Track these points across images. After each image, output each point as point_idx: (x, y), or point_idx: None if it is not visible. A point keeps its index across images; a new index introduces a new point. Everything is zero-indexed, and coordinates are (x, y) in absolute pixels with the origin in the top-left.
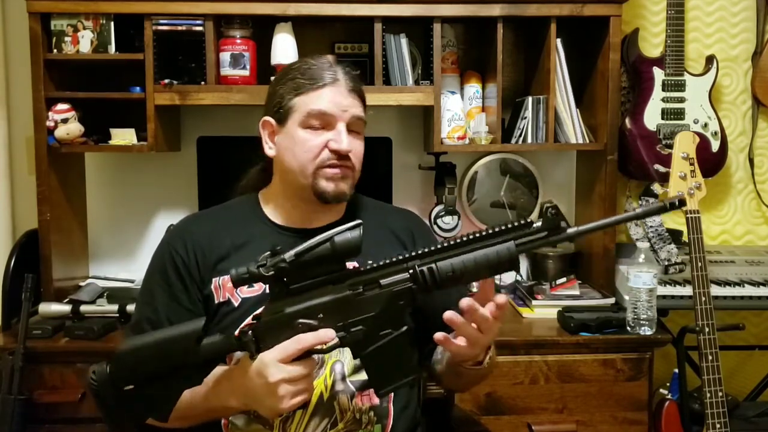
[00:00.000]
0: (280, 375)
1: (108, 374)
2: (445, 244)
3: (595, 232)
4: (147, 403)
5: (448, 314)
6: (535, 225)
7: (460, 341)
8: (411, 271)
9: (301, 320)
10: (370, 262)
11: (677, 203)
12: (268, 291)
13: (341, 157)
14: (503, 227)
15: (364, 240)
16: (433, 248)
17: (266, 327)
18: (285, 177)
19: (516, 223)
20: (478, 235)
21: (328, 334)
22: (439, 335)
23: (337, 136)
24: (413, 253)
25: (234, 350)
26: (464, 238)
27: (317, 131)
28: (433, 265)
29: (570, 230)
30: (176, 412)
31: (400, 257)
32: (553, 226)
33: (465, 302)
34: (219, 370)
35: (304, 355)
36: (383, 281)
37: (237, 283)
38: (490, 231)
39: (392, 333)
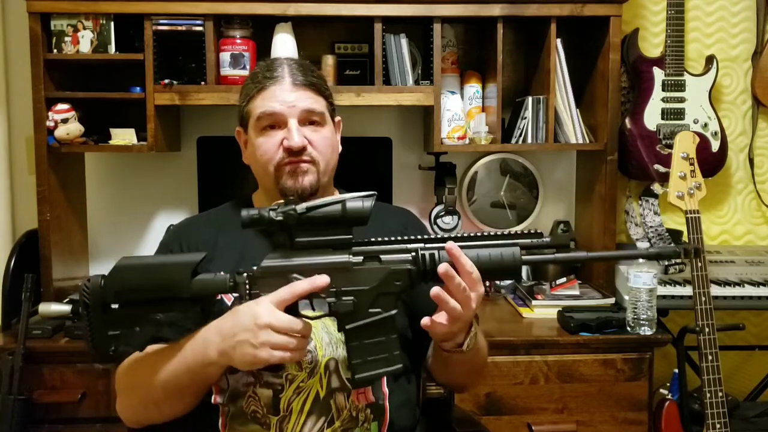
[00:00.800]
0: (268, 319)
1: (100, 287)
2: (453, 236)
3: (603, 260)
4: (130, 327)
5: (435, 289)
6: (544, 239)
7: (441, 318)
8: (413, 253)
9: (295, 275)
10: (377, 238)
11: (693, 252)
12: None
13: (296, 153)
14: (512, 232)
15: (359, 237)
16: (439, 236)
17: (261, 273)
18: (259, 181)
19: (526, 231)
20: (485, 234)
21: (321, 280)
22: (425, 319)
23: (288, 134)
24: (419, 237)
25: (225, 291)
26: (472, 234)
27: (272, 132)
28: (436, 252)
29: (579, 253)
30: (158, 377)
31: (406, 238)
32: (561, 244)
33: (442, 267)
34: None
35: (296, 315)
36: (384, 257)
37: (246, 223)
38: (499, 233)
39: (381, 313)
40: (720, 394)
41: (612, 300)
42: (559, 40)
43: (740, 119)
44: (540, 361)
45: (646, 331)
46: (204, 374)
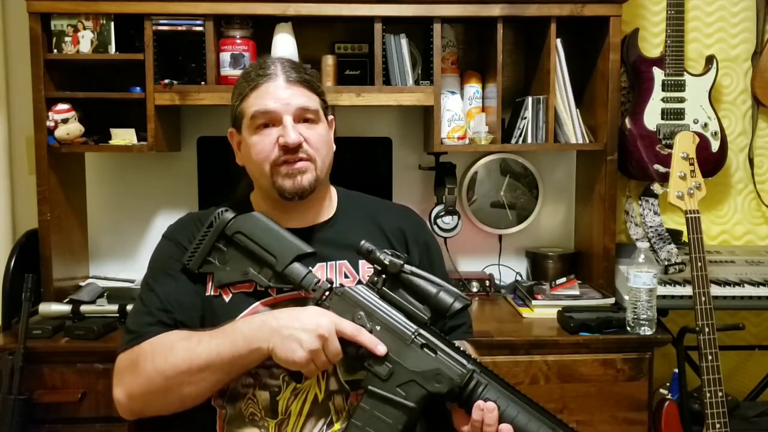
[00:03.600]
0: (326, 331)
1: (229, 221)
2: (515, 389)
3: None
4: (225, 261)
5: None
6: None
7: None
8: (466, 371)
9: (362, 313)
10: (448, 338)
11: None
12: (258, 290)
13: (292, 150)
14: (560, 422)
15: (349, 231)
16: (502, 379)
17: (340, 293)
18: (255, 182)
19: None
20: (544, 408)
21: (380, 349)
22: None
23: (283, 131)
24: (479, 360)
25: (306, 288)
26: (533, 401)
27: (266, 131)
28: (485, 383)
29: None
30: (199, 356)
31: (471, 356)
32: None
33: (476, 414)
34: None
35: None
36: (440, 354)
37: (361, 252)
38: (554, 419)
39: (405, 398)
40: (720, 394)
41: (612, 300)
42: (559, 40)
43: (740, 119)
44: (540, 361)
45: (646, 331)
46: (244, 359)
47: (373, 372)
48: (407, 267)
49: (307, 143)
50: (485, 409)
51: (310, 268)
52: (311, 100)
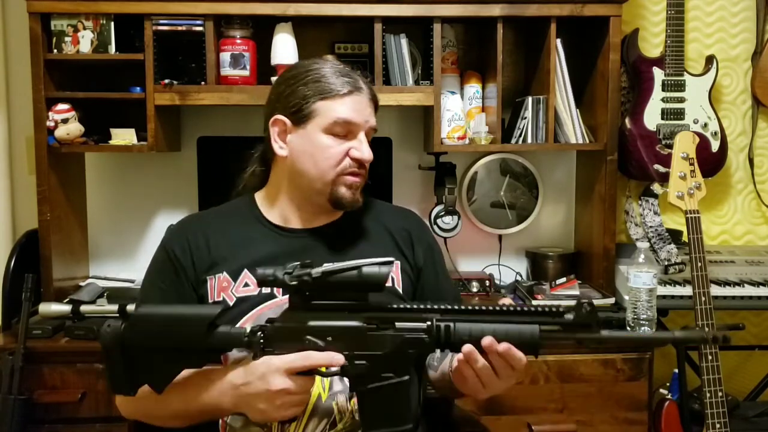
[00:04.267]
0: (282, 385)
1: (121, 331)
2: (471, 307)
3: (630, 342)
4: (148, 371)
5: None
6: (566, 316)
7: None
8: (429, 323)
9: (309, 337)
10: (393, 303)
11: (721, 339)
12: (263, 292)
13: (361, 165)
14: (533, 308)
15: (357, 236)
16: (457, 307)
17: (276, 332)
18: (294, 179)
19: (548, 309)
20: (506, 308)
21: (336, 359)
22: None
23: (360, 146)
24: (436, 306)
25: (241, 346)
26: (491, 308)
27: (339, 138)
28: (451, 324)
29: (603, 333)
30: (169, 407)
31: (422, 306)
32: (584, 323)
33: (466, 348)
34: (212, 369)
35: (307, 372)
36: (399, 324)
37: (261, 282)
38: (519, 308)
39: (393, 378)
40: (720, 394)
41: (612, 300)
42: (559, 40)
43: (740, 119)
44: (540, 361)
45: (647, 331)
46: (216, 415)
47: (354, 375)
48: (314, 272)
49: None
50: (466, 355)
51: (230, 326)
52: (375, 122)
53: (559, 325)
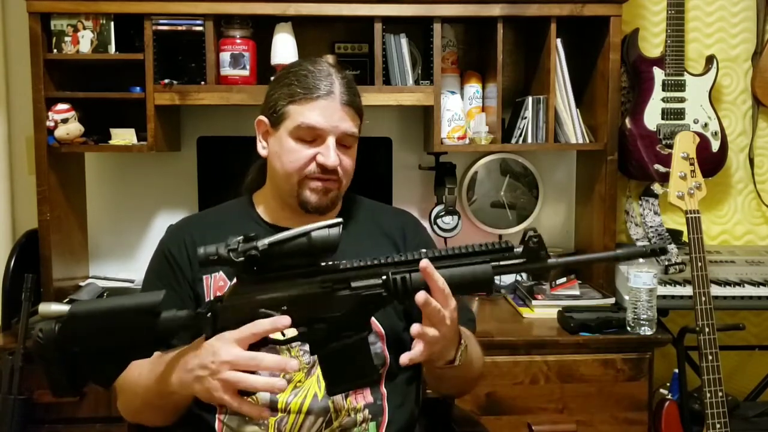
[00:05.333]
0: (227, 356)
1: (56, 334)
2: (422, 256)
3: (576, 265)
4: (91, 367)
5: (415, 328)
6: (515, 250)
7: (419, 347)
8: (384, 277)
9: (263, 310)
10: (344, 262)
11: (658, 251)
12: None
13: (327, 171)
14: (483, 247)
15: (355, 239)
16: (409, 257)
17: (226, 310)
18: (273, 178)
19: (497, 246)
20: (457, 251)
21: (283, 321)
22: (403, 357)
23: (326, 151)
24: (389, 260)
25: (189, 329)
26: (443, 253)
27: (306, 143)
28: (406, 275)
29: (550, 261)
30: (139, 396)
31: (376, 262)
32: (533, 256)
33: (420, 296)
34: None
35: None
36: (354, 283)
37: (203, 262)
38: (470, 250)
39: (353, 336)
40: (720, 394)
41: (612, 300)
42: (559, 40)
43: (740, 119)
44: (540, 361)
45: (646, 331)
46: (171, 399)
47: (314, 340)
48: (260, 244)
49: (340, 166)
50: (421, 301)
51: (176, 310)
52: (355, 126)
53: (510, 259)
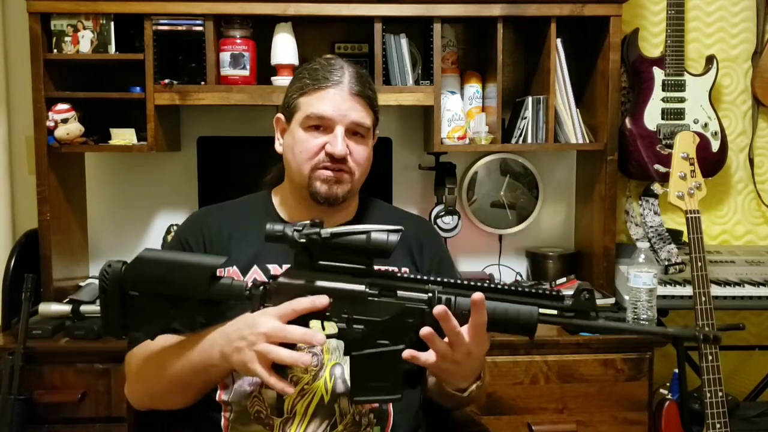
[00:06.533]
0: (263, 328)
1: (121, 274)
2: (473, 284)
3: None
4: (144, 315)
5: (426, 330)
6: (565, 302)
7: (430, 356)
8: (430, 294)
9: (311, 296)
10: (394, 269)
11: (712, 338)
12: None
13: (337, 160)
14: (535, 290)
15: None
16: (459, 282)
17: (278, 288)
18: (288, 172)
19: (548, 292)
20: (507, 287)
21: (322, 300)
22: (406, 352)
23: (333, 140)
24: (438, 279)
25: (240, 299)
26: (493, 285)
27: (316, 133)
28: (452, 297)
29: (599, 323)
30: (166, 370)
31: (425, 278)
32: (582, 310)
33: (438, 309)
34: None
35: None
36: (400, 293)
37: (268, 237)
38: (519, 288)
39: (389, 346)
40: (720, 394)
41: (612, 300)
42: (559, 40)
43: (740, 119)
44: (540, 361)
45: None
46: (207, 374)
47: (349, 338)
48: (324, 232)
49: (351, 156)
50: (442, 312)
51: (232, 277)
52: (367, 117)
53: (557, 310)
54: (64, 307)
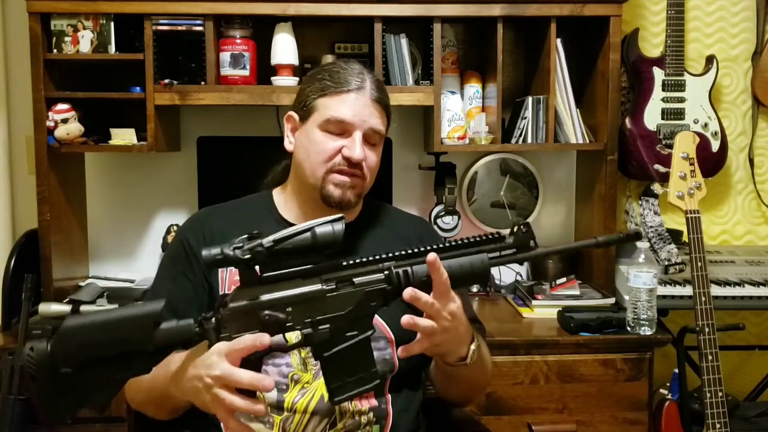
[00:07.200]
0: (218, 371)
1: (48, 353)
2: (422, 249)
3: (561, 253)
4: (87, 389)
5: (405, 319)
6: (507, 240)
7: (422, 342)
8: (386, 272)
9: (268, 312)
10: (347, 259)
11: (634, 236)
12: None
13: (352, 164)
14: (477, 239)
15: (369, 241)
16: (410, 251)
17: (231, 315)
18: (298, 173)
19: (489, 236)
20: (451, 244)
21: (262, 340)
22: (400, 350)
23: (351, 144)
24: (389, 254)
25: (191, 339)
26: (440, 245)
27: (334, 136)
28: (408, 269)
29: (539, 250)
30: (134, 386)
31: (377, 257)
32: (522, 244)
33: (406, 293)
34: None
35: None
36: (357, 280)
37: (209, 264)
38: (465, 241)
39: (358, 335)
40: (720, 394)
41: (612, 300)
42: (559, 40)
43: (740, 119)
44: (540, 361)
45: (646, 331)
46: (173, 401)
47: (317, 343)
48: (266, 241)
49: (365, 162)
50: (408, 297)
51: (177, 320)
52: (383, 124)
53: (500, 250)
54: (64, 307)
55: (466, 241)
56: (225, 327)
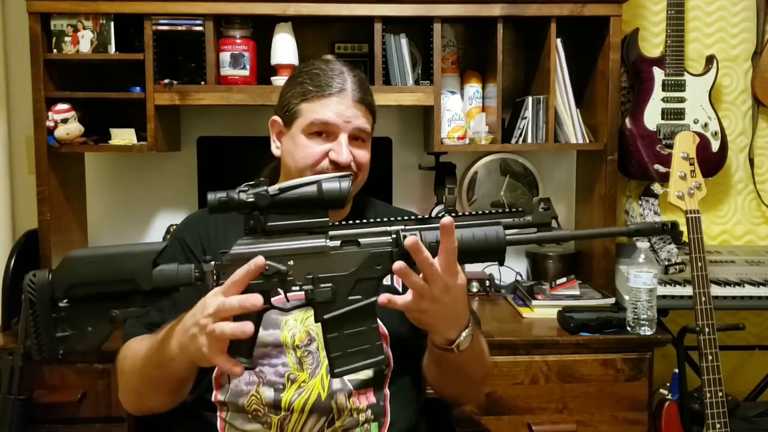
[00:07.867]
0: (212, 308)
1: (49, 282)
2: (436, 216)
3: (589, 238)
4: (82, 323)
5: (398, 263)
6: (526, 217)
7: (407, 296)
8: (394, 235)
9: (269, 262)
10: (353, 220)
11: (670, 226)
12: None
13: (340, 167)
14: (494, 211)
15: None
16: (420, 217)
17: (231, 262)
18: (287, 177)
19: (507, 210)
20: (469, 213)
21: (257, 261)
22: (382, 297)
23: (338, 148)
24: (399, 218)
25: (189, 282)
26: (453, 215)
27: (319, 139)
28: (417, 233)
29: (562, 232)
30: (129, 371)
31: (386, 219)
32: (542, 222)
33: (410, 240)
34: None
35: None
36: (363, 240)
37: (214, 207)
38: (481, 212)
39: (362, 300)
40: (720, 394)
41: (612, 300)
42: (559, 40)
43: (740, 119)
44: (540, 361)
45: (646, 331)
46: (170, 368)
47: (319, 301)
48: (271, 189)
49: (354, 161)
50: (413, 243)
51: (179, 262)
52: (368, 123)
53: (518, 227)
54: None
55: (482, 212)
56: (225, 273)
